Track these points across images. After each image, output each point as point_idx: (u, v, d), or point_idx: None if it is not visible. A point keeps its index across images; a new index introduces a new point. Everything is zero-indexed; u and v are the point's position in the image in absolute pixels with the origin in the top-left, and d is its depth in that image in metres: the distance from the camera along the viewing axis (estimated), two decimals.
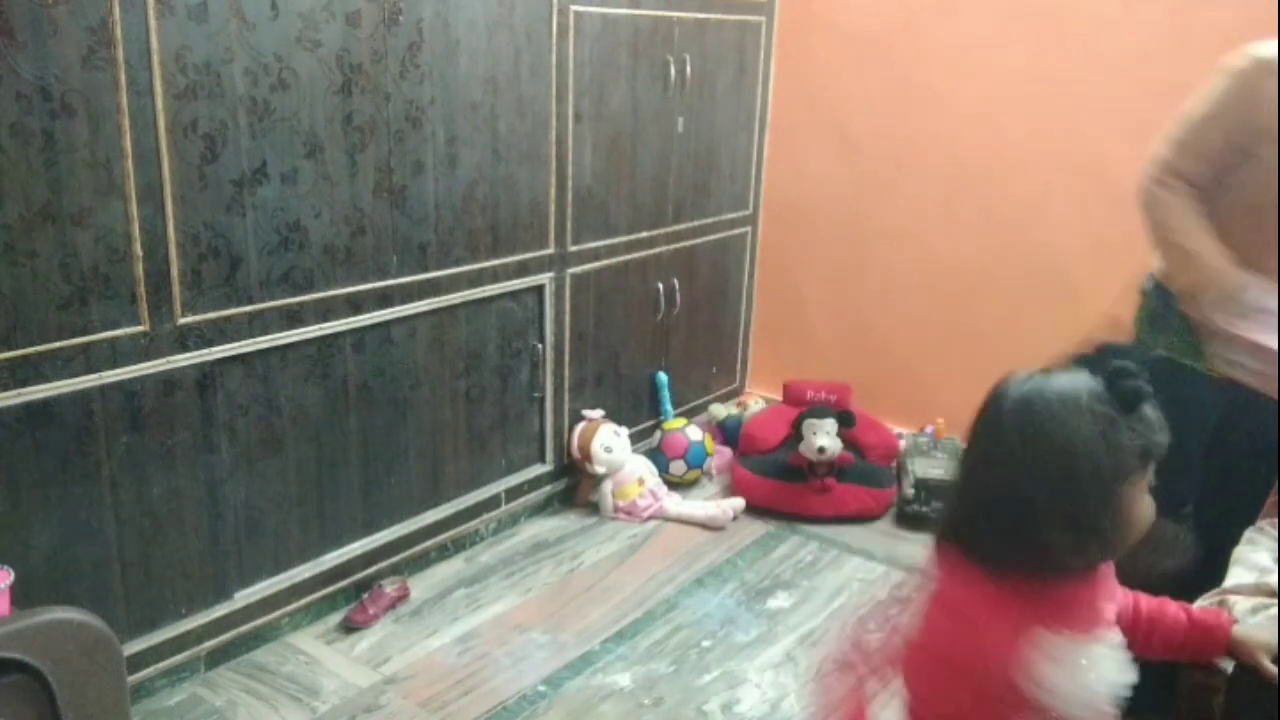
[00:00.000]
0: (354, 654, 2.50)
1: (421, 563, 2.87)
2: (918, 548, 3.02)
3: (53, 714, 1.56)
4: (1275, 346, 1.68)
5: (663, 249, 3.46)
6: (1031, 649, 1.13)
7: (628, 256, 3.31)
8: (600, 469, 3.18)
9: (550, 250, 3.03)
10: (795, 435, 3.29)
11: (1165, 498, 1.19)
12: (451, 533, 2.92)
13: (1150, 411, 1.15)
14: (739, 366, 4.05)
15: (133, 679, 2.15)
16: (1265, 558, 1.86)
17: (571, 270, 3.11)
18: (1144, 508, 1.17)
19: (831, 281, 3.91)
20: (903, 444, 3.49)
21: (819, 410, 3.26)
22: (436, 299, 2.70)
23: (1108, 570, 1.25)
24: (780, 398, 3.68)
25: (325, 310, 2.43)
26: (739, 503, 3.24)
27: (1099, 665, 1.19)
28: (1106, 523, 1.14)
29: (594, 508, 3.26)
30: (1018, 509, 1.14)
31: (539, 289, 3.03)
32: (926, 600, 1.27)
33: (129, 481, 2.14)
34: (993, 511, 1.17)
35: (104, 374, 2.04)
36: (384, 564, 2.73)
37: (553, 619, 2.67)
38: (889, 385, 3.80)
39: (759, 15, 3.66)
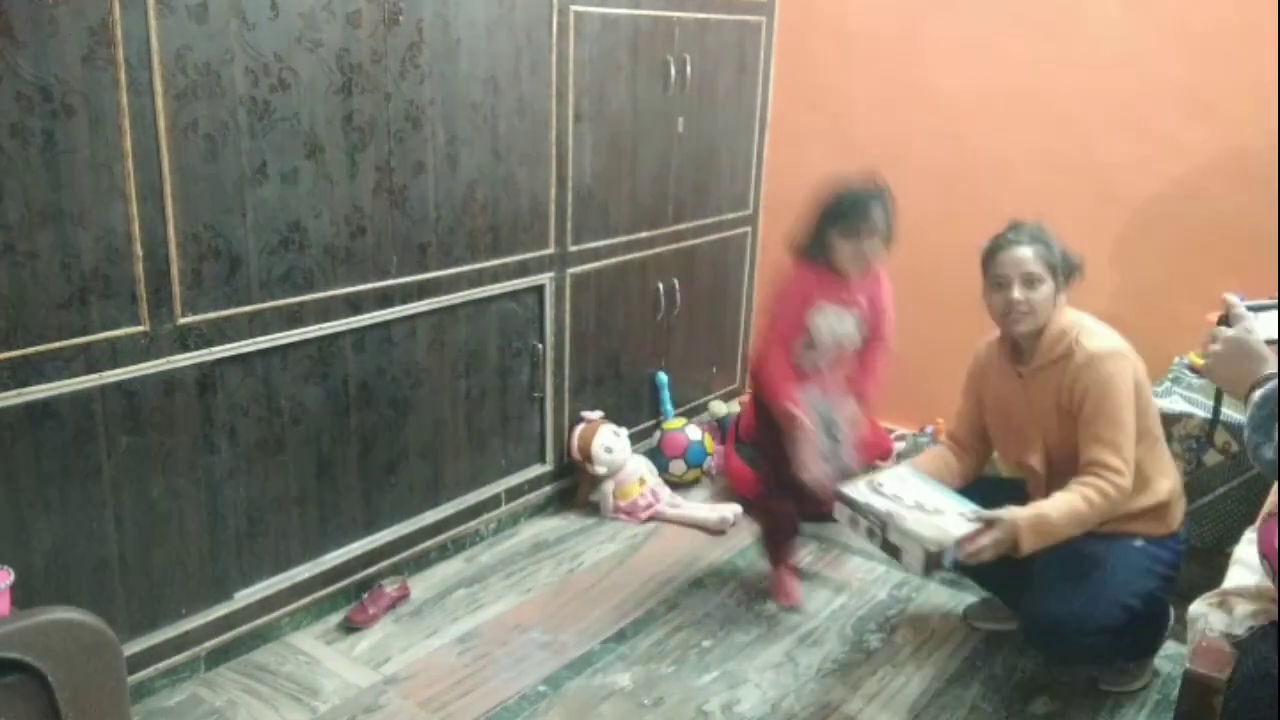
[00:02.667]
0: (354, 654, 2.50)
1: (421, 563, 2.87)
2: None
3: (53, 714, 1.56)
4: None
5: (663, 249, 3.46)
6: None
7: (628, 256, 3.31)
8: (601, 469, 3.18)
9: (550, 250, 3.03)
10: None
11: None
12: (451, 533, 2.92)
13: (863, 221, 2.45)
14: (739, 366, 4.05)
15: (133, 679, 2.16)
16: None
17: (571, 270, 3.11)
18: (839, 247, 2.48)
19: None
20: (903, 444, 3.49)
21: None
22: (436, 299, 2.70)
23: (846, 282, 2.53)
24: None
25: (325, 310, 2.43)
26: (738, 508, 3.24)
27: (841, 319, 2.55)
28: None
29: (594, 508, 3.26)
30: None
31: (539, 289, 3.03)
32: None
33: (129, 481, 2.14)
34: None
35: (104, 374, 2.04)
36: (384, 564, 2.73)
37: (553, 619, 2.67)
38: (889, 385, 3.79)
39: (759, 15, 3.66)
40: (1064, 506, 2.13)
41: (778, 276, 2.62)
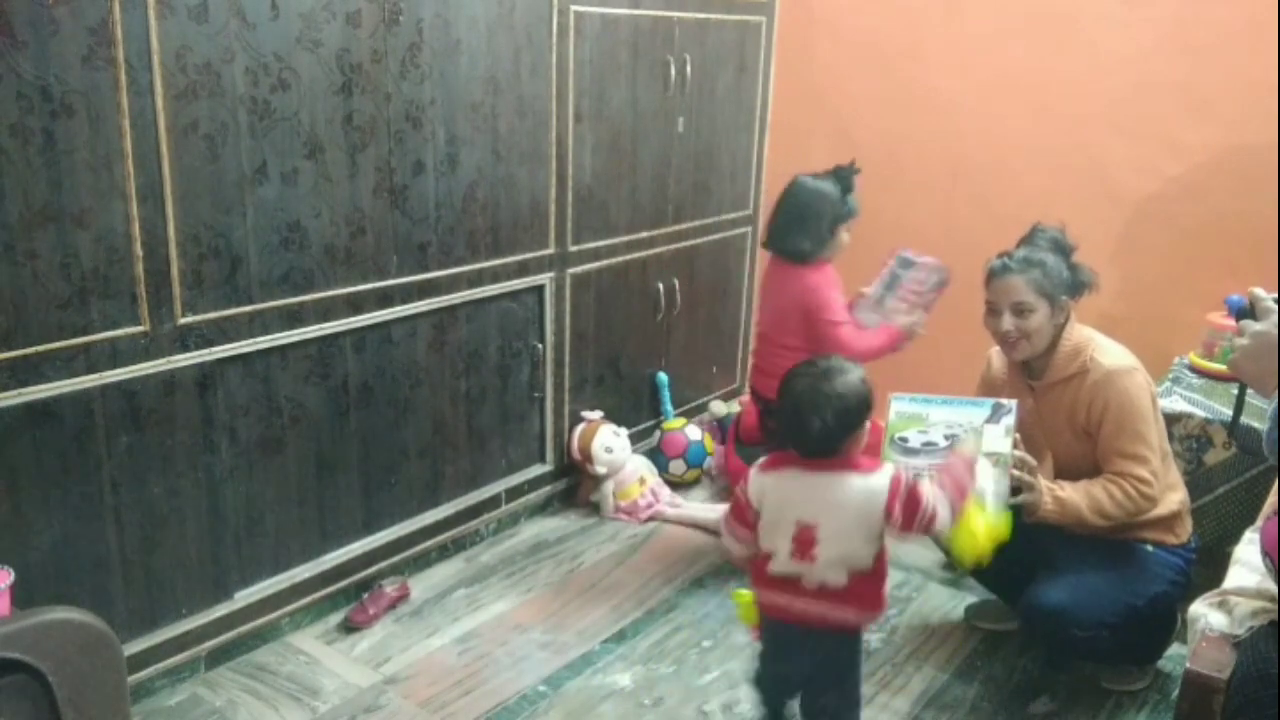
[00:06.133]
0: (354, 654, 2.50)
1: (421, 563, 2.87)
2: (917, 547, 3.02)
3: (53, 714, 1.56)
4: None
5: (663, 249, 3.46)
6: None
7: (628, 256, 3.31)
8: (601, 469, 3.18)
9: (550, 250, 3.03)
10: None
11: None
12: (451, 533, 2.92)
13: (852, 197, 2.69)
14: (739, 366, 4.05)
15: (133, 679, 2.15)
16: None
17: (571, 270, 3.11)
18: (843, 239, 2.70)
19: None
20: None
21: None
22: (437, 299, 2.70)
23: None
24: None
25: (325, 310, 2.43)
26: None
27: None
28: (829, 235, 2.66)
29: (594, 508, 3.26)
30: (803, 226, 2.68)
31: (539, 289, 3.03)
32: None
33: (129, 481, 2.14)
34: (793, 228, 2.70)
35: (104, 374, 2.04)
36: (384, 564, 2.73)
37: (553, 619, 2.67)
38: (888, 384, 3.79)
39: (759, 15, 3.66)
40: (1083, 487, 2.17)
41: (805, 287, 2.66)
